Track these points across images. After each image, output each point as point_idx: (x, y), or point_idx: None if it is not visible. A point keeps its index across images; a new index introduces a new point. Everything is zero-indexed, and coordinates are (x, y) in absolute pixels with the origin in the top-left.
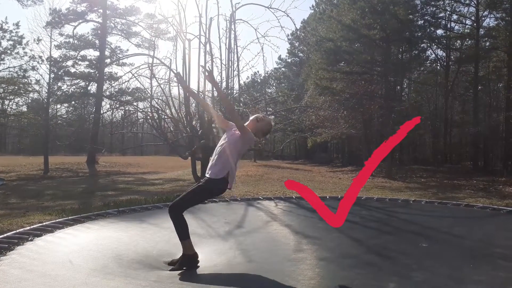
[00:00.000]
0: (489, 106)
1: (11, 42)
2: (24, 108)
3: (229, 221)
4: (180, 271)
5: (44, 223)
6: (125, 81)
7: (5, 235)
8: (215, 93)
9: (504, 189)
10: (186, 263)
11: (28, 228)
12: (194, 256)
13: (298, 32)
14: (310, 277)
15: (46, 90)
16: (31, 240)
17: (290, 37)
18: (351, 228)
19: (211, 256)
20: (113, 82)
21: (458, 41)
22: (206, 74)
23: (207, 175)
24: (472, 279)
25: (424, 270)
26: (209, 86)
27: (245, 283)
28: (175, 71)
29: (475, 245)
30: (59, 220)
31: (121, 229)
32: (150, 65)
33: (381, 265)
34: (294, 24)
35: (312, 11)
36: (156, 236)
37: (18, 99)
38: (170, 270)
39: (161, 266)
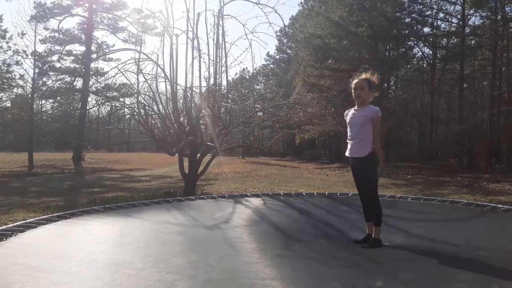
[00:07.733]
0: (474, 104)
1: None
2: (8, 104)
3: (217, 217)
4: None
5: (28, 220)
6: (111, 77)
7: None
8: (203, 89)
9: (488, 185)
10: (377, 244)
11: (11, 225)
12: (381, 241)
13: (286, 28)
14: (298, 275)
15: (31, 85)
16: (15, 236)
17: (278, 33)
18: (338, 226)
19: (206, 250)
20: (99, 77)
21: (444, 39)
22: None
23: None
24: (458, 278)
25: (410, 271)
26: (196, 82)
27: (231, 276)
28: (162, 67)
29: (460, 244)
30: (43, 217)
31: (107, 222)
32: (137, 60)
33: (368, 265)
34: (283, 21)
35: (301, 7)
36: (143, 226)
37: (2, 94)
38: (362, 247)
39: (146, 253)
